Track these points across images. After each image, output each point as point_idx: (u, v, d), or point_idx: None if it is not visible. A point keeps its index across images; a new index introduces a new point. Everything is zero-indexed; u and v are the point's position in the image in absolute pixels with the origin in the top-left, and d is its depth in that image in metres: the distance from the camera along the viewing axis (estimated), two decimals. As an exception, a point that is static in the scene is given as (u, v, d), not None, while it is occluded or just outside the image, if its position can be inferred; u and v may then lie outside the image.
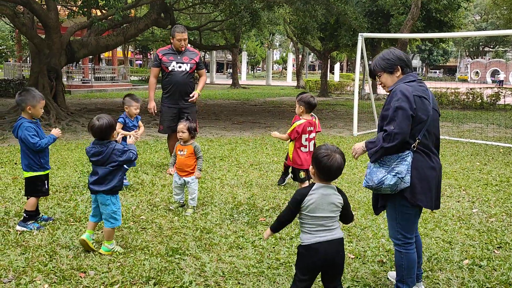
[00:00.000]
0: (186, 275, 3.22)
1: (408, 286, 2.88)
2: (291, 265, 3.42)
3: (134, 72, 43.36)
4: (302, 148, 4.81)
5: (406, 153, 2.73)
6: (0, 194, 4.98)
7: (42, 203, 4.72)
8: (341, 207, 2.61)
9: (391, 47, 3.09)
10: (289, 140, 4.94)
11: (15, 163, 6.65)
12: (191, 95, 6.16)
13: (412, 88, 2.74)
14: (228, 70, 63.51)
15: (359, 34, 10.85)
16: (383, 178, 2.73)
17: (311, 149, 4.82)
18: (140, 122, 5.68)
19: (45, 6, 12.01)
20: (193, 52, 6.29)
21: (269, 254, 3.62)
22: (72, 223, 4.20)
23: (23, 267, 3.26)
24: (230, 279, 3.19)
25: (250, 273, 3.29)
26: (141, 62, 67.58)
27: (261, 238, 3.94)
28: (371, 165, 2.84)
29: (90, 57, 24.89)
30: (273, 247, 3.77)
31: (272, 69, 49.35)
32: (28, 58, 32.09)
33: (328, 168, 2.55)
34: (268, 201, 5.09)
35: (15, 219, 4.23)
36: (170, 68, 6.08)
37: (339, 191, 2.65)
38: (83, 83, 25.77)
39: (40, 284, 3.03)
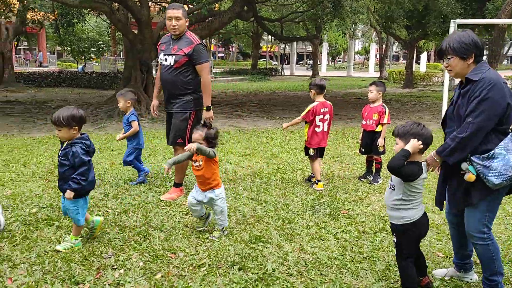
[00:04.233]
0: (269, 262, 3.29)
1: (502, 275, 2.79)
2: (375, 260, 3.35)
3: (216, 65, 44.64)
4: (317, 129, 5.18)
5: None
6: (99, 178, 5.44)
7: (135, 187, 5.08)
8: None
9: (466, 30, 2.86)
10: (305, 122, 5.29)
11: (112, 150, 7.21)
12: (203, 121, 4.52)
13: (498, 76, 2.62)
14: (308, 61, 62.97)
15: (451, 20, 10.15)
16: None
17: (325, 129, 5.23)
18: (133, 123, 5.13)
19: (138, 3, 12.78)
20: (188, 39, 4.53)
21: (352, 248, 3.58)
22: (163, 207, 4.47)
23: (121, 245, 3.55)
24: (312, 270, 3.21)
25: (332, 265, 3.28)
26: (223, 54, 69.52)
27: (343, 231, 3.90)
28: (498, 157, 2.57)
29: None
30: (356, 241, 3.72)
31: (354, 60, 47.99)
32: (121, 53, 34.41)
33: (429, 135, 2.74)
34: (350, 194, 5.02)
35: (112, 201, 4.61)
36: (159, 61, 4.75)
37: None
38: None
39: (136, 262, 3.28)
